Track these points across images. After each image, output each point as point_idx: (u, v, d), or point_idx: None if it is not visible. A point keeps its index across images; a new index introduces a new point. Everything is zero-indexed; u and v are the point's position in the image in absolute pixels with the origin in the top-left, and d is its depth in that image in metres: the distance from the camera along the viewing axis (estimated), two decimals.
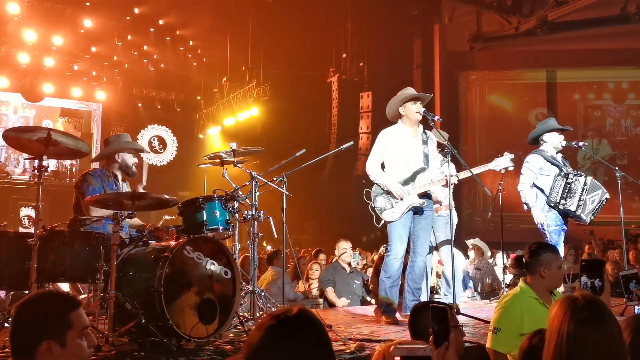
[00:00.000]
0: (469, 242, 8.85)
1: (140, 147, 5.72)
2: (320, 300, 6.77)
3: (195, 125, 16.67)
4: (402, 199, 5.05)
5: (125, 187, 4.90)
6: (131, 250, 4.11)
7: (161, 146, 15.95)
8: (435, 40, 15.45)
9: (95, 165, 11.65)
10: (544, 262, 3.22)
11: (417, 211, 5.18)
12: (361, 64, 15.37)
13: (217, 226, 4.28)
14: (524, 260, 3.31)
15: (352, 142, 5.67)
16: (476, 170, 5.20)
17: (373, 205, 5.18)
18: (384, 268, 5.32)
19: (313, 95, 14.90)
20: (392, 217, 5.11)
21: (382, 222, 5.19)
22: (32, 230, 3.86)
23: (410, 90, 5.32)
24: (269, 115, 14.96)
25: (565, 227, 5.59)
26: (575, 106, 15.19)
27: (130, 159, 4.92)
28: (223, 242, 4.42)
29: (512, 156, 5.21)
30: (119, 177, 4.90)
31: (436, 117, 5.06)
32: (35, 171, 3.75)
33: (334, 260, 7.43)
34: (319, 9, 13.47)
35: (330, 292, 6.75)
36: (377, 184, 5.19)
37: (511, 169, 5.24)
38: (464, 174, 5.16)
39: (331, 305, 6.70)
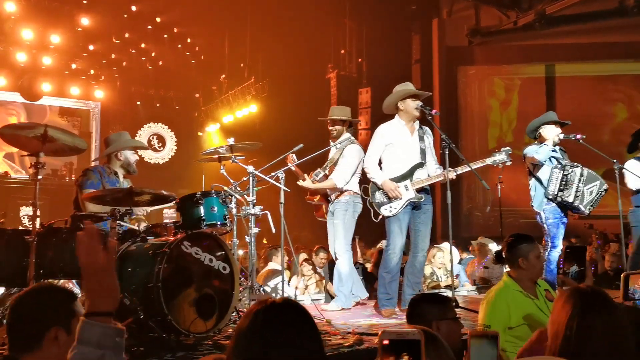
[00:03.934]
0: (474, 243, 8.85)
1: (143, 145, 5.75)
2: (321, 296, 6.77)
3: (194, 122, 16.65)
4: (396, 199, 5.06)
5: (126, 185, 4.91)
6: (129, 246, 4.12)
7: (160, 144, 15.94)
8: (434, 35, 15.41)
9: (95, 163, 11.61)
10: (521, 254, 3.25)
11: (415, 206, 5.20)
12: (360, 60, 15.34)
13: (215, 221, 4.28)
14: (503, 254, 3.35)
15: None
16: (474, 165, 5.20)
17: (371, 201, 5.19)
18: (382, 263, 5.35)
19: (312, 91, 14.85)
20: (390, 212, 5.12)
21: (380, 217, 5.20)
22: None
23: (409, 86, 5.34)
24: (268, 112, 14.93)
25: (565, 220, 5.57)
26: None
27: (132, 157, 4.96)
28: (222, 237, 4.42)
29: (510, 151, 5.22)
30: (120, 174, 4.92)
31: (434, 112, 5.07)
32: (32, 168, 3.76)
33: None
34: (317, 5, 13.43)
35: (332, 287, 6.75)
36: (373, 182, 5.20)
37: (509, 163, 5.24)
38: (462, 169, 5.15)
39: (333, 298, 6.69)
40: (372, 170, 5.23)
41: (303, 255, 7.74)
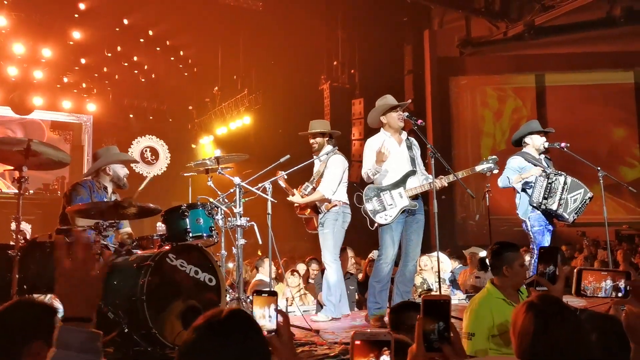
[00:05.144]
0: (466, 252, 8.85)
1: (131, 158, 5.74)
2: (305, 308, 6.74)
3: (187, 135, 16.65)
4: (395, 204, 5.07)
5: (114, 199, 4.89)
6: (115, 259, 4.11)
7: (153, 157, 15.91)
8: (426, 46, 15.52)
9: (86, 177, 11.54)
10: (506, 261, 3.27)
11: (409, 215, 5.21)
12: (352, 71, 15.41)
13: (200, 233, 4.28)
14: (487, 261, 3.36)
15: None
16: (462, 174, 5.25)
17: (365, 209, 5.20)
18: (373, 272, 5.37)
19: (305, 102, 14.88)
20: (385, 220, 5.15)
21: (375, 225, 5.21)
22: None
23: (389, 99, 5.42)
24: (261, 123, 14.96)
25: (550, 228, 5.60)
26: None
27: (121, 171, 4.94)
28: (208, 249, 4.41)
29: (497, 159, 5.28)
30: (109, 189, 4.90)
31: (420, 122, 5.10)
32: (16, 182, 3.75)
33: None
34: (309, 17, 13.53)
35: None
36: (374, 173, 5.19)
37: (495, 171, 5.31)
38: (453, 177, 5.19)
39: None
40: (367, 169, 5.27)
41: (302, 266, 7.73)
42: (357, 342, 1.42)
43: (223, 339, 1.40)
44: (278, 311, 1.64)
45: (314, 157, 5.86)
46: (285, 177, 5.58)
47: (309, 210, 5.90)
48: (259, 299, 1.66)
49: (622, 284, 1.98)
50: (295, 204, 5.90)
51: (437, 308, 1.54)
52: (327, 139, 5.83)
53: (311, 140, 5.85)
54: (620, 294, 1.98)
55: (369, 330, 1.45)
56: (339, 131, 6.03)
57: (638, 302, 1.94)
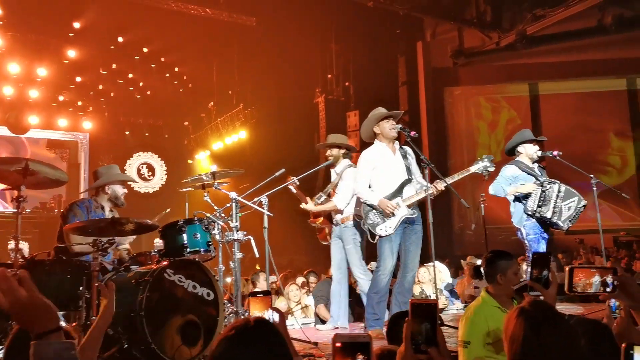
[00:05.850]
0: (464, 263, 8.86)
1: (131, 179, 5.77)
2: (307, 320, 6.74)
3: (184, 150, 16.69)
4: (393, 215, 5.10)
5: None
6: (113, 276, 4.13)
7: (150, 173, 15.93)
8: (419, 57, 15.60)
9: (83, 195, 11.54)
10: (499, 269, 3.30)
11: (407, 225, 5.23)
12: (347, 83, 15.48)
13: (198, 248, 4.31)
14: (482, 270, 3.38)
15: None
16: (458, 175, 5.28)
17: (365, 223, 5.23)
18: (372, 283, 5.37)
19: (300, 116, 14.96)
20: (385, 232, 5.16)
21: (377, 238, 5.24)
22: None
23: (381, 110, 5.49)
24: (257, 137, 15.00)
25: (545, 236, 5.63)
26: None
27: (120, 190, 4.96)
28: (206, 264, 4.44)
29: (492, 157, 5.32)
30: (107, 208, 4.92)
31: (412, 133, 5.15)
32: (14, 202, 3.78)
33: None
34: (303, 31, 13.62)
35: (322, 309, 6.73)
36: (367, 205, 5.24)
37: (492, 169, 5.32)
38: (451, 179, 5.21)
39: (323, 321, 6.68)
40: (364, 193, 5.30)
41: (301, 279, 7.73)
42: (338, 345, 1.46)
43: (252, 348, 1.43)
44: (272, 308, 1.67)
45: (327, 164, 6.06)
46: (297, 182, 5.70)
47: (321, 219, 6.03)
48: (256, 302, 1.69)
49: (609, 279, 2.03)
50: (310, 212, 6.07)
51: (424, 311, 1.59)
52: (343, 152, 6.02)
53: (327, 152, 6.09)
54: (608, 289, 2.03)
55: (349, 333, 1.49)
56: (355, 146, 6.15)
57: (625, 297, 2.00)
